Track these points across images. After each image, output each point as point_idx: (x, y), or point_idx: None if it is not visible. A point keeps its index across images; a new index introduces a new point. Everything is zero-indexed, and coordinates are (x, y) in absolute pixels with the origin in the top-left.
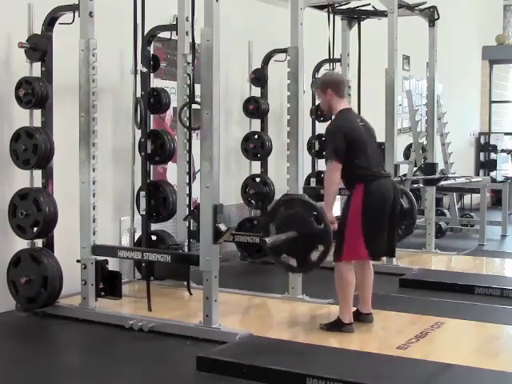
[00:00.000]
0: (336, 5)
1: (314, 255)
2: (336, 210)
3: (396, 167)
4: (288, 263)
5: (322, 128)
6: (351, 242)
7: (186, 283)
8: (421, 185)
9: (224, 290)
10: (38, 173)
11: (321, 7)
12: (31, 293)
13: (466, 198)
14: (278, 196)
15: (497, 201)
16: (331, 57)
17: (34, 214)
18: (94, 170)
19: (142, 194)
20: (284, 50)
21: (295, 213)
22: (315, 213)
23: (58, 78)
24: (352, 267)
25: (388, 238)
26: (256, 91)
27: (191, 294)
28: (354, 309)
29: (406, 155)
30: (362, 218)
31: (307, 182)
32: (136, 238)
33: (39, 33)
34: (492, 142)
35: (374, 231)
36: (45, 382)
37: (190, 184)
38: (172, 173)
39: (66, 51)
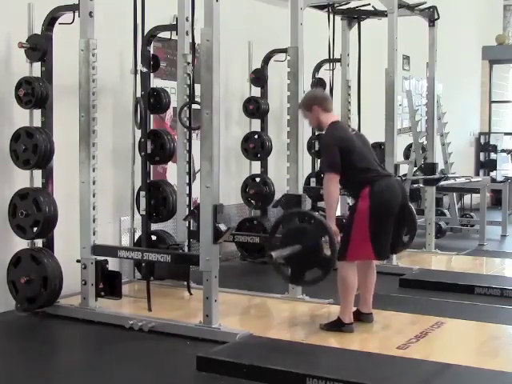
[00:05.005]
0: (336, 5)
1: (309, 274)
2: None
3: (396, 167)
4: (282, 270)
5: None
6: (357, 243)
7: (186, 283)
8: (421, 185)
9: (224, 290)
10: (38, 173)
11: (321, 7)
12: (31, 293)
13: (466, 198)
14: (277, 196)
15: (497, 201)
16: (331, 57)
17: (34, 214)
18: (94, 170)
19: (142, 194)
20: (284, 50)
21: (306, 229)
22: (326, 235)
23: (58, 77)
24: (355, 268)
25: (394, 236)
26: (256, 91)
27: (191, 294)
28: (355, 309)
29: (406, 155)
30: (370, 220)
31: (307, 182)
32: (136, 238)
33: (39, 33)
34: (492, 142)
35: (382, 233)
36: (45, 381)
37: (190, 184)
38: (172, 173)
39: (66, 51)
